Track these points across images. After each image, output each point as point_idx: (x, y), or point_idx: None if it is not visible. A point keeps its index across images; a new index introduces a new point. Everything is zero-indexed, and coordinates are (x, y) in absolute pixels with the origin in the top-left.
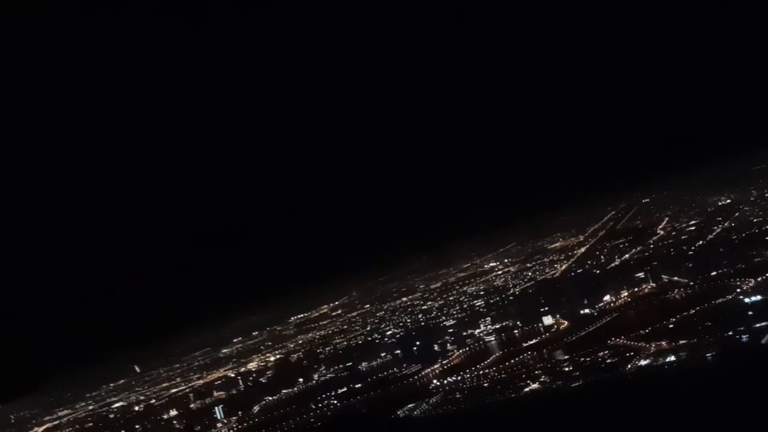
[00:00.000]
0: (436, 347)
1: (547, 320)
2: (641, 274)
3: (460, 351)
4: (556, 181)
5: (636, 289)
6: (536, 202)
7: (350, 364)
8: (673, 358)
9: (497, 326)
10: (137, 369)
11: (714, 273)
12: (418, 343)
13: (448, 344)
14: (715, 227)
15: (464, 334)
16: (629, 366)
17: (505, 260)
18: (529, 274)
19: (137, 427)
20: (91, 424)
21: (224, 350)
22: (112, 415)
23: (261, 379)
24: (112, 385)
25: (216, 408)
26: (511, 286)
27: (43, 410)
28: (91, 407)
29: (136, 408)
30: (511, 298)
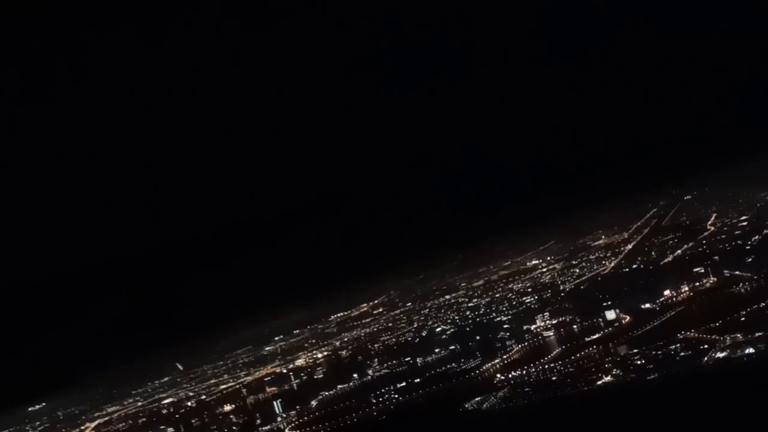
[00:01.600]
0: (494, 342)
1: (610, 315)
2: (701, 269)
3: (520, 346)
4: (593, 180)
5: (697, 284)
6: (572, 201)
7: (405, 359)
8: (751, 350)
9: (555, 321)
10: (180, 367)
11: None
12: (474, 338)
13: (506, 339)
14: None
15: (521, 329)
16: (706, 358)
17: (548, 258)
18: (577, 271)
19: (194, 421)
20: (144, 419)
21: (267, 348)
22: (165, 411)
23: (314, 375)
24: (157, 382)
25: (274, 402)
26: (559, 282)
27: (91, 406)
28: (140, 403)
29: (188, 403)
30: (563, 294)
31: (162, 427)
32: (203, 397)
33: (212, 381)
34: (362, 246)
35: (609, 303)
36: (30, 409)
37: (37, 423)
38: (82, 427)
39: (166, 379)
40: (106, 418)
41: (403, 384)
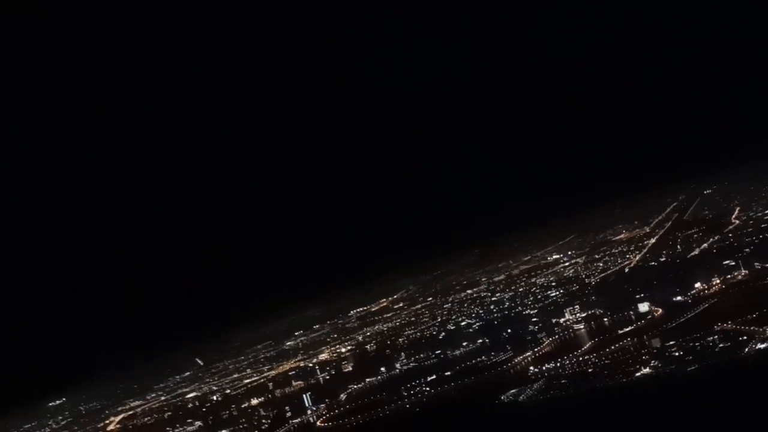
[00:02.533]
0: (523, 335)
1: (643, 307)
2: (731, 262)
3: (550, 339)
4: (610, 175)
5: (728, 276)
6: (589, 196)
7: (432, 353)
8: None
9: (584, 314)
10: (200, 362)
11: None
12: (502, 332)
13: (537, 333)
14: None
15: (551, 322)
16: (746, 350)
17: (569, 252)
18: (601, 264)
19: (223, 413)
20: (170, 413)
21: (288, 343)
22: (190, 405)
23: (341, 369)
24: (178, 377)
25: (303, 396)
26: (584, 276)
27: (113, 401)
28: (163, 398)
29: (214, 397)
30: (590, 288)
31: (189, 420)
32: (228, 391)
33: (235, 375)
34: (378, 242)
35: (642, 295)
36: (50, 404)
37: (60, 418)
38: (107, 422)
39: (187, 374)
40: (130, 413)
41: (434, 377)
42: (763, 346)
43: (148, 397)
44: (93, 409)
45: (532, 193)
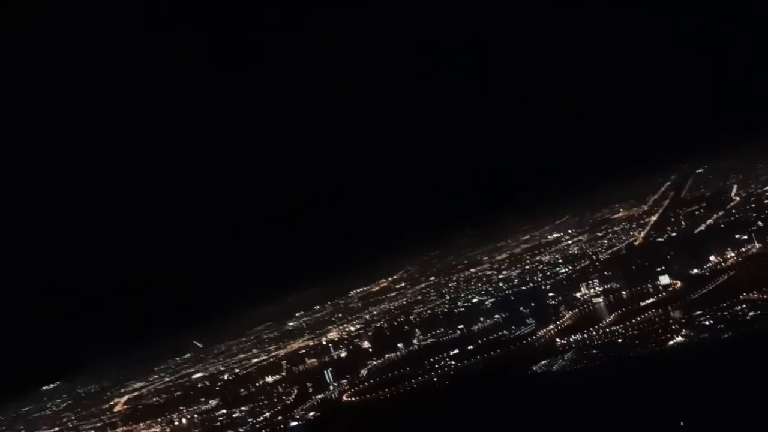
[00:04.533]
0: (544, 309)
1: (664, 280)
2: (744, 236)
3: (571, 312)
4: (601, 156)
5: (742, 250)
6: (582, 177)
7: (450, 329)
8: None
9: (602, 288)
10: (198, 344)
11: None
12: (520, 306)
13: (557, 306)
14: None
15: (569, 296)
16: None
17: (569, 231)
18: (605, 241)
19: (241, 391)
20: (179, 393)
21: (290, 323)
22: (200, 384)
23: (356, 346)
24: (178, 358)
25: (325, 372)
26: (591, 253)
27: (113, 383)
28: (167, 378)
29: (224, 377)
30: (600, 263)
31: (203, 399)
32: (237, 370)
33: (241, 356)
34: (374, 225)
35: (660, 269)
36: (44, 388)
37: (58, 401)
38: (111, 403)
39: (187, 355)
40: (135, 394)
41: (456, 351)
42: None
43: (151, 379)
44: (93, 391)
45: (525, 175)
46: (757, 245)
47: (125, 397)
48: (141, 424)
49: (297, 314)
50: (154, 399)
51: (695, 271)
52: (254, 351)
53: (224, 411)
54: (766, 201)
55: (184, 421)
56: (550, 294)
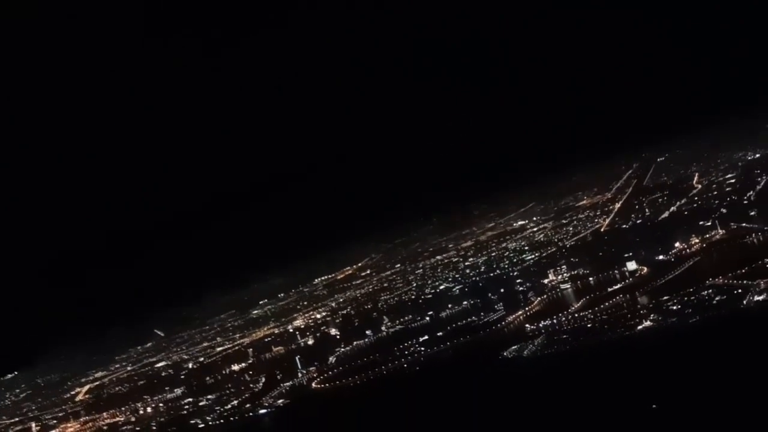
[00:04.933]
0: (512, 295)
1: (631, 265)
2: (708, 222)
3: (539, 298)
4: (563, 143)
5: (706, 236)
6: (544, 166)
7: (419, 316)
8: None
9: (569, 274)
10: (160, 333)
11: None
12: (487, 293)
13: (525, 292)
14: (759, 179)
15: (537, 283)
16: (745, 302)
17: (534, 218)
18: (570, 229)
19: (207, 379)
20: (143, 382)
21: (255, 311)
22: (164, 373)
23: (323, 333)
24: (140, 347)
25: (296, 359)
26: (556, 239)
27: (73, 373)
28: (129, 367)
29: (189, 365)
30: (566, 250)
31: (168, 387)
32: (202, 359)
33: (205, 344)
34: (336, 212)
35: (627, 255)
36: (1, 378)
37: (17, 390)
38: (73, 392)
39: (149, 344)
40: (97, 383)
41: (426, 338)
42: (760, 298)
43: (113, 368)
44: (52, 381)
45: (488, 163)
46: (721, 231)
47: (86, 387)
48: (105, 414)
49: (261, 302)
50: (117, 388)
51: (661, 257)
52: (218, 339)
53: (190, 399)
54: (727, 188)
55: (149, 410)
56: (518, 280)
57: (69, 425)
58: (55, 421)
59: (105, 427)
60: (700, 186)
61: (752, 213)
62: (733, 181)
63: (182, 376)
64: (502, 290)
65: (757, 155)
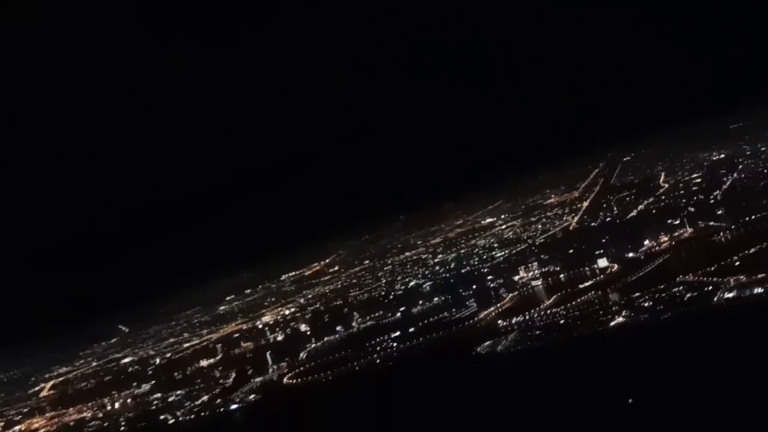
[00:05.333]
0: (483, 292)
1: (602, 263)
2: (676, 221)
3: (511, 295)
4: (531, 144)
5: (675, 234)
6: (512, 165)
7: (390, 312)
8: (761, 289)
9: (540, 271)
10: (124, 328)
11: (754, 217)
12: (459, 289)
13: (497, 289)
14: (725, 179)
15: (508, 280)
16: (716, 299)
17: (502, 216)
18: (539, 226)
19: (176, 374)
20: (109, 377)
21: (222, 307)
22: (131, 369)
23: (293, 329)
24: (104, 343)
25: (267, 354)
26: (526, 237)
27: (35, 369)
28: (94, 363)
29: (156, 361)
30: (536, 247)
31: (135, 383)
32: (169, 354)
33: (171, 340)
34: (302, 210)
35: (598, 252)
36: None
37: None
38: (37, 388)
39: (114, 340)
40: (62, 379)
41: (398, 333)
42: (730, 295)
43: (77, 364)
44: (15, 377)
45: (455, 161)
46: (689, 230)
47: (51, 382)
48: (71, 409)
49: (228, 298)
50: (83, 384)
51: (631, 254)
52: (186, 335)
53: (159, 395)
54: (694, 188)
55: (117, 405)
56: (489, 277)
57: (34, 421)
58: (20, 417)
59: (72, 423)
60: (666, 185)
61: (719, 212)
62: (699, 180)
63: (150, 372)
64: (473, 287)
65: (722, 155)
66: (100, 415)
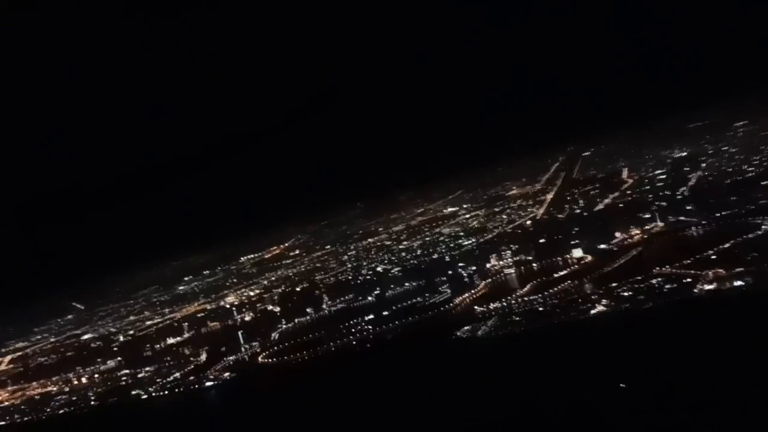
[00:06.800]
0: (455, 279)
1: (577, 253)
2: (647, 215)
3: (484, 282)
4: (488, 136)
5: (647, 227)
6: (471, 155)
7: (361, 295)
8: (740, 282)
9: (513, 260)
10: (79, 306)
11: (724, 213)
12: (431, 275)
13: (470, 276)
14: (690, 176)
15: (480, 267)
16: (696, 290)
17: (464, 206)
18: (504, 216)
19: (144, 352)
20: (71, 353)
21: (180, 287)
22: (93, 345)
23: (261, 310)
24: (60, 320)
25: (237, 333)
26: (492, 227)
27: None
28: (52, 339)
29: (119, 338)
30: (506, 237)
31: (100, 359)
32: (131, 332)
33: (132, 318)
34: (260, 192)
35: (572, 242)
36: None
37: None
38: None
39: (69, 317)
40: (20, 353)
41: (371, 317)
42: (710, 287)
43: (33, 339)
44: None
45: (414, 151)
46: (660, 224)
47: (8, 357)
48: (34, 383)
49: (186, 278)
50: (43, 359)
51: (603, 246)
52: (147, 313)
53: (127, 371)
54: (659, 184)
55: (83, 380)
56: (461, 264)
57: None
58: None
59: (37, 396)
60: (631, 180)
61: (689, 207)
62: (664, 177)
63: (115, 348)
64: (447, 273)
65: (684, 153)
66: (66, 389)
